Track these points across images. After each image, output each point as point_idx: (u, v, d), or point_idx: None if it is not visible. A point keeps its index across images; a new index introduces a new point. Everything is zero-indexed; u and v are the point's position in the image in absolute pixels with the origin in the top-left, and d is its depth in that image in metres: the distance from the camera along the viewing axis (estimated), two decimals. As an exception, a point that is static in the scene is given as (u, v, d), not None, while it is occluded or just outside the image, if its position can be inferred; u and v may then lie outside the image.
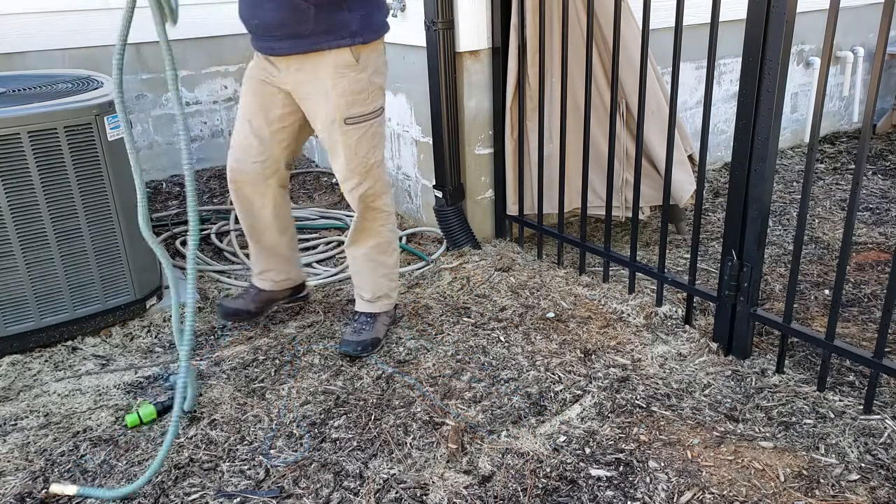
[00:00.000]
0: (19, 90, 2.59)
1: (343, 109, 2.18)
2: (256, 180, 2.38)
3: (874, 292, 2.79)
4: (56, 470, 1.95)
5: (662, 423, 2.06)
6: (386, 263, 2.49)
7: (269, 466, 1.94)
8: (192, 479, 1.90)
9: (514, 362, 2.39)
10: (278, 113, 2.30)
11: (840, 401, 2.12)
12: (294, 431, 2.08)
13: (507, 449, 1.97)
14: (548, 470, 1.89)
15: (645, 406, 2.14)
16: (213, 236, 3.48)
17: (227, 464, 1.96)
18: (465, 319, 2.67)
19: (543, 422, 2.08)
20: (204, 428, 2.10)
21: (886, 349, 2.05)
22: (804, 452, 1.92)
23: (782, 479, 1.83)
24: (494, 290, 2.88)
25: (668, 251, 3.08)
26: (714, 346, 2.41)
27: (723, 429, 2.02)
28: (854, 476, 1.83)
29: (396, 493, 1.83)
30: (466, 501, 1.79)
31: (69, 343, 2.55)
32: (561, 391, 2.22)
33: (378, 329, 2.50)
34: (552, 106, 3.01)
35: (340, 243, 3.38)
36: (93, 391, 2.29)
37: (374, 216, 2.38)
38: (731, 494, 1.78)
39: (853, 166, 4.30)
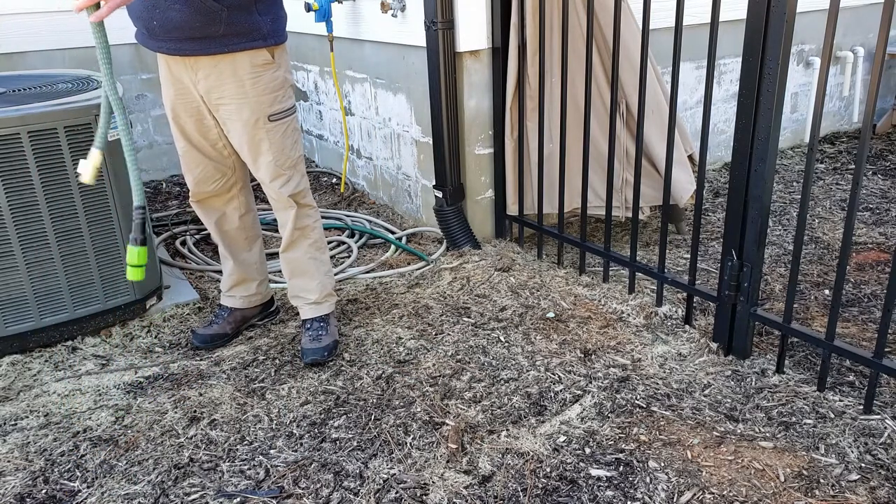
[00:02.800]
0: (19, 90, 2.59)
1: (266, 107, 2.18)
2: (220, 192, 2.40)
3: (874, 292, 2.78)
4: (56, 470, 1.95)
5: (662, 423, 2.06)
6: (326, 260, 2.49)
7: (269, 466, 1.94)
8: (192, 479, 1.90)
9: (514, 362, 2.38)
10: (217, 131, 2.27)
11: (840, 401, 2.12)
12: (294, 431, 2.08)
13: (507, 449, 1.97)
14: (548, 470, 1.89)
15: (645, 406, 2.14)
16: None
17: (227, 464, 1.96)
18: (465, 319, 2.67)
19: (543, 422, 2.08)
20: (204, 428, 2.10)
21: (886, 349, 2.05)
22: (804, 452, 1.92)
23: (782, 479, 1.83)
24: (494, 290, 2.88)
25: (668, 251, 3.08)
26: (714, 346, 2.41)
27: (723, 429, 2.02)
28: (854, 476, 1.83)
29: (396, 493, 1.83)
30: (466, 501, 1.79)
31: (69, 343, 2.55)
32: (561, 391, 2.22)
33: (333, 330, 2.50)
34: (552, 106, 3.01)
35: (341, 243, 3.38)
36: (93, 391, 2.29)
37: (305, 213, 2.37)
38: (731, 494, 1.78)
39: (853, 166, 4.30)
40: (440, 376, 2.32)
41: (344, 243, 3.38)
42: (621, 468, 1.88)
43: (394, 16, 3.21)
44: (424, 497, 1.81)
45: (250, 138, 2.20)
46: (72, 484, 1.90)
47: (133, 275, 1.94)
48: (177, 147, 2.33)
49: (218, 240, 2.51)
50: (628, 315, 2.65)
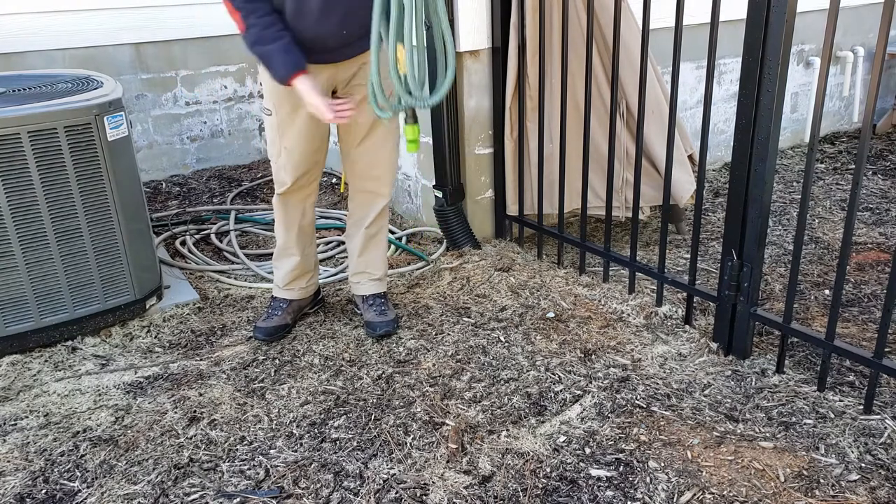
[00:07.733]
0: (19, 90, 2.59)
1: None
2: (306, 185, 2.49)
3: (874, 292, 2.78)
4: (56, 470, 1.95)
5: (662, 423, 2.06)
6: (386, 241, 2.69)
7: (269, 466, 1.94)
8: (192, 479, 1.90)
9: (514, 362, 2.38)
10: (326, 127, 2.39)
11: (840, 401, 2.12)
12: (294, 431, 2.08)
13: (507, 449, 1.97)
14: (548, 470, 1.89)
15: (645, 406, 2.14)
16: (212, 236, 3.48)
17: (227, 464, 1.96)
18: (465, 319, 2.67)
19: (543, 422, 2.08)
20: (204, 428, 2.10)
21: (886, 349, 2.05)
22: (804, 452, 1.92)
23: (782, 479, 1.83)
24: (494, 290, 2.88)
25: (668, 251, 3.08)
26: (714, 346, 2.41)
27: (723, 429, 2.02)
28: (854, 476, 1.83)
29: (396, 493, 1.83)
30: (466, 501, 1.79)
31: (69, 343, 2.55)
32: (561, 391, 2.22)
33: (392, 306, 2.67)
34: (552, 106, 3.01)
35: (340, 243, 3.38)
36: (93, 391, 2.29)
37: (391, 195, 2.57)
38: (731, 494, 1.78)
39: (853, 166, 4.30)
40: (440, 376, 2.32)
41: (344, 243, 3.38)
42: (621, 468, 1.88)
43: (394, 16, 3.20)
44: (424, 497, 1.81)
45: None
46: (72, 484, 1.90)
47: (411, 148, 2.27)
48: (289, 149, 2.38)
49: (294, 237, 2.56)
50: (628, 315, 2.65)
